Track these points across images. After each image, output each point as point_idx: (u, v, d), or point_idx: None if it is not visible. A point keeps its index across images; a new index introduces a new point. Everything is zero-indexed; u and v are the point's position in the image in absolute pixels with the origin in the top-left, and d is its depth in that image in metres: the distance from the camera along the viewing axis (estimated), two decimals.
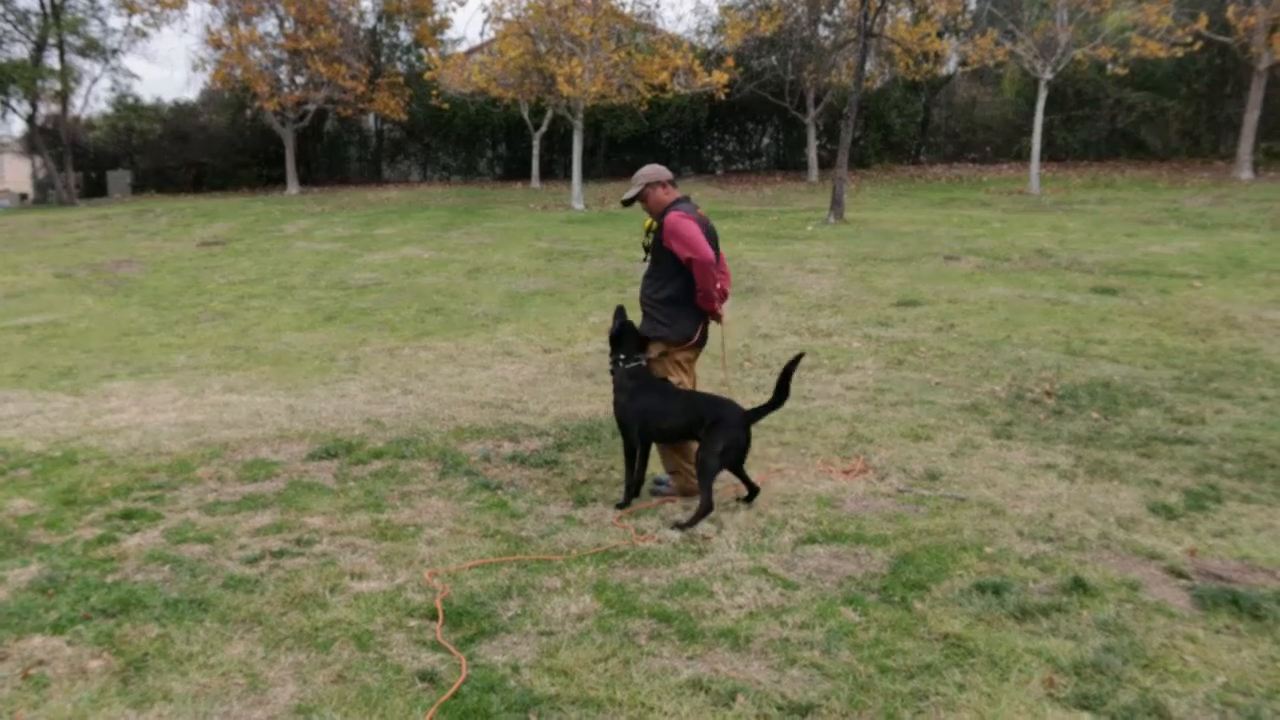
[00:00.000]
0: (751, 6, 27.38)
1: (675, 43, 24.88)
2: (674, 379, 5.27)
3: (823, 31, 28.23)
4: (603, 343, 9.82)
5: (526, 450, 6.15)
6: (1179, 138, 29.46)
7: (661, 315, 5.25)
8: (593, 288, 13.05)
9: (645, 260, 5.42)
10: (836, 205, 18.54)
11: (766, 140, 33.30)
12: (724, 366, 6.50)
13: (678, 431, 5.08)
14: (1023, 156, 26.57)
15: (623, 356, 5.20)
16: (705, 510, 4.77)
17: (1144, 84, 27.28)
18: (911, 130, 31.67)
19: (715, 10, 31.85)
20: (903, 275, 12.94)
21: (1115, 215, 18.64)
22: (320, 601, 3.90)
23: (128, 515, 4.98)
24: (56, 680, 3.32)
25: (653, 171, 5.35)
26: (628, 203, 5.37)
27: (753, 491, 5.11)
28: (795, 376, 5.09)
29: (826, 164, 29.08)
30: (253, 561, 4.35)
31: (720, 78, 22.01)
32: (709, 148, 33.37)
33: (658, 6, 54.27)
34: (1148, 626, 3.68)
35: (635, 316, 5.38)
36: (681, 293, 5.20)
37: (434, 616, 3.77)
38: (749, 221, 19.27)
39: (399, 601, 3.92)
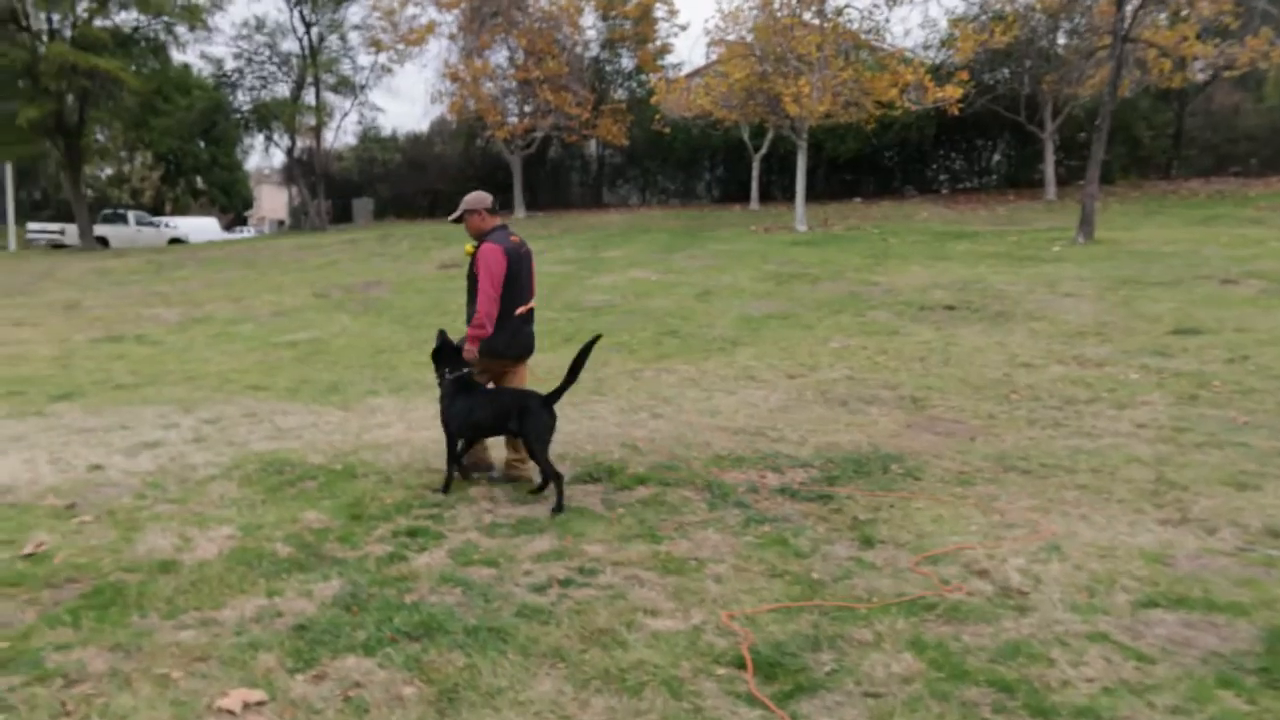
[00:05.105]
0: (984, 18, 26.17)
1: (905, 58, 24.12)
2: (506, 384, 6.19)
3: (1062, 40, 26.61)
4: (849, 369, 9.42)
5: (794, 482, 5.86)
6: None
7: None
8: (828, 311, 12.64)
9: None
10: (1085, 224, 17.29)
11: (997, 157, 31.71)
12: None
13: (489, 424, 5.86)
14: None
15: (447, 370, 5.91)
16: (557, 480, 5.47)
17: None
18: (1162, 143, 29.29)
19: (944, 24, 30.68)
20: (1174, 300, 11.77)
21: None
22: (619, 639, 3.73)
23: (412, 533, 5.04)
24: (375, 706, 3.29)
25: (475, 199, 6.14)
26: (456, 220, 6.18)
27: (544, 483, 5.70)
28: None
29: (1064, 181, 27.38)
30: (541, 589, 4.26)
31: (954, 92, 21.11)
32: (934, 166, 32.14)
33: (887, 22, 52.89)
34: None
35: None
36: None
37: (741, 665, 3.51)
38: (986, 242, 18.27)
39: (700, 645, 3.69)
